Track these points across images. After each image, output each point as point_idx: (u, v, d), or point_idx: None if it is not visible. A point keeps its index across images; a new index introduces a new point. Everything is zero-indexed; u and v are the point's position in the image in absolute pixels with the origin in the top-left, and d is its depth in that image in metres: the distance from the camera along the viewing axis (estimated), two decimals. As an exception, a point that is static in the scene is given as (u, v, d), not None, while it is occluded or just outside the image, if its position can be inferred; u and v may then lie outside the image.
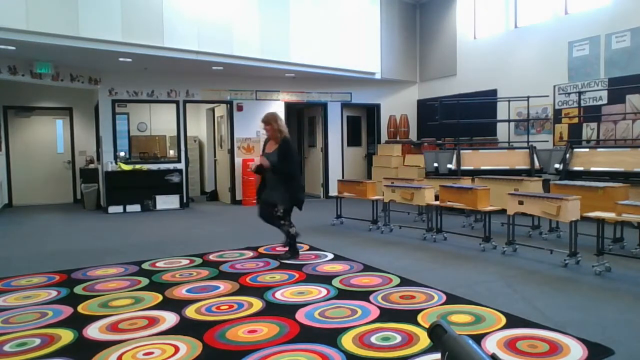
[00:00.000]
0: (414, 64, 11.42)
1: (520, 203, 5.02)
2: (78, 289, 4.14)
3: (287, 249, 5.21)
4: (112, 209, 9.22)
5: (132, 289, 4.12)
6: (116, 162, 9.40)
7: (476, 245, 5.50)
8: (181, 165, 9.92)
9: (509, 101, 8.67)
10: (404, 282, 4.15)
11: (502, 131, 9.15)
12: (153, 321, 3.31)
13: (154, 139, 10.77)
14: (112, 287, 4.19)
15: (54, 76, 8.56)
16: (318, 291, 3.93)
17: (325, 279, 4.28)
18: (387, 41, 10.79)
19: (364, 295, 3.79)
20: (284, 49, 9.03)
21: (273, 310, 3.49)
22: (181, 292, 3.99)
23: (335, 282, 4.19)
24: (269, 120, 5.03)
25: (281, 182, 4.97)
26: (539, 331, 3.00)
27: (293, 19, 9.17)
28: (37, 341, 3.00)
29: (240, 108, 10.31)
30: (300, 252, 5.26)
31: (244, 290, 4.00)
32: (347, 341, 2.88)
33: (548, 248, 5.03)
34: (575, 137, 7.94)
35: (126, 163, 9.53)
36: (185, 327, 3.18)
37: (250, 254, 5.41)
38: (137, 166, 9.58)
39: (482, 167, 7.83)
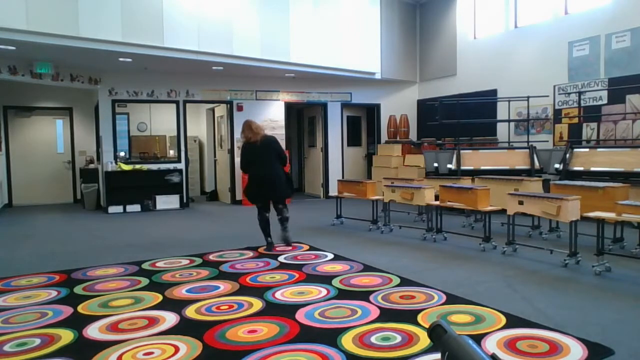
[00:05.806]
0: (414, 64, 11.42)
1: (520, 203, 5.02)
2: (78, 289, 4.14)
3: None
4: (112, 209, 9.22)
5: (132, 289, 4.12)
6: (116, 162, 9.40)
7: (476, 245, 5.50)
8: (181, 165, 9.92)
9: (509, 101, 8.67)
10: (404, 282, 4.15)
11: (502, 131, 9.15)
12: (153, 321, 3.31)
13: (154, 139, 10.78)
14: (112, 287, 4.19)
15: (54, 76, 8.56)
16: (318, 291, 3.93)
17: (325, 279, 4.28)
18: (387, 41, 10.79)
19: (364, 295, 3.79)
20: (284, 49, 9.03)
21: (273, 310, 3.49)
22: (181, 292, 3.99)
23: (335, 282, 4.19)
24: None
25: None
26: (539, 331, 3.00)
27: (293, 19, 9.17)
28: (37, 341, 3.00)
29: (240, 108, 10.31)
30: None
31: (244, 290, 4.00)
32: (347, 341, 2.88)
33: (548, 248, 5.03)
34: (575, 137, 7.94)
35: (126, 163, 9.53)
36: (185, 327, 3.18)
37: (250, 254, 5.41)
38: (137, 166, 9.58)
39: (482, 167, 7.83)
